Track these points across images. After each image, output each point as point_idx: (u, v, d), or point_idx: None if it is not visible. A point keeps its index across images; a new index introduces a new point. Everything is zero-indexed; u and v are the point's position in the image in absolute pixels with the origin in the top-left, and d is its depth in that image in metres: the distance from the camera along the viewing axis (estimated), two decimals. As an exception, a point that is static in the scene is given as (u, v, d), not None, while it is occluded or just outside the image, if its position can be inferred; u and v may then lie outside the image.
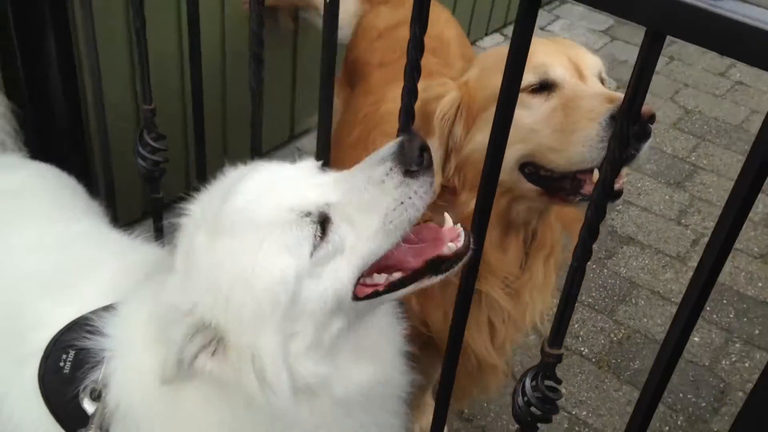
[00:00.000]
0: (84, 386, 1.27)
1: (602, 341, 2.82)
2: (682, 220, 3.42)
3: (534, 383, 1.48)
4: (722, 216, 1.12)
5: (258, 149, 1.68)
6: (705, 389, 2.69)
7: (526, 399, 1.48)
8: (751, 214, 3.73)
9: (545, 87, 1.58)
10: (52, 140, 2.03)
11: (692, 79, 4.45)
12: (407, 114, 1.38)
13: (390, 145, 1.18)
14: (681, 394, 2.68)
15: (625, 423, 2.51)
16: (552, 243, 1.76)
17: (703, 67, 4.64)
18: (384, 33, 2.42)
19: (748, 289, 3.10)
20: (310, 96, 3.37)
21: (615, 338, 2.86)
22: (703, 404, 2.64)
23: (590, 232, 1.25)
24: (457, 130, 1.63)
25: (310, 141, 3.59)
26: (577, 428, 2.52)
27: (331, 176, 1.20)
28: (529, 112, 1.56)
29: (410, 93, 1.35)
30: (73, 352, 1.31)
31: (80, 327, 1.33)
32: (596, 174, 1.52)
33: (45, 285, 1.43)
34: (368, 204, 1.15)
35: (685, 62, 4.68)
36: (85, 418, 1.26)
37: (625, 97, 1.12)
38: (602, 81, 1.63)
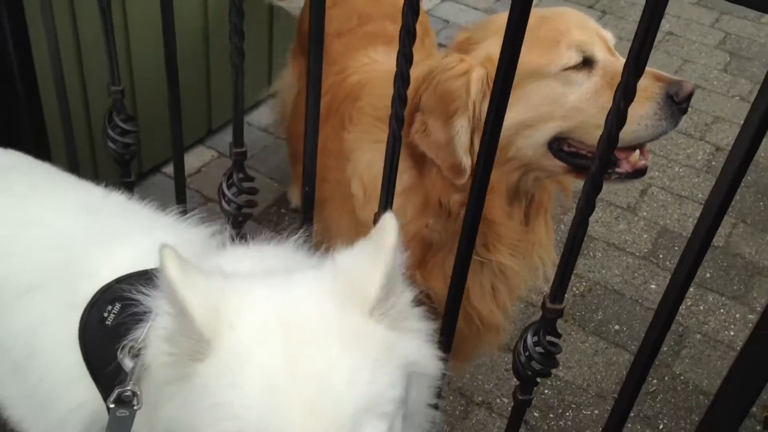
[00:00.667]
0: (125, 342, 1.24)
1: (565, 295, 2.89)
2: (629, 172, 3.52)
3: (536, 339, 1.51)
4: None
5: (240, 126, 1.64)
6: (668, 335, 2.79)
7: (527, 354, 1.51)
8: (692, 162, 3.89)
9: (587, 64, 1.59)
10: (12, 122, 1.92)
11: (625, 31, 4.55)
12: (403, 80, 1.35)
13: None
14: (643, 340, 2.78)
15: (593, 373, 2.63)
16: (548, 201, 1.80)
17: (634, 20, 4.75)
18: (338, 1, 2.38)
19: (696, 235, 3.23)
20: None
21: (577, 291, 2.94)
22: (664, 348, 2.75)
23: (594, 185, 1.27)
24: (484, 108, 1.60)
25: (259, 114, 3.53)
26: (548, 381, 2.60)
27: None
28: (572, 89, 1.58)
29: (405, 58, 1.33)
30: (120, 305, 1.29)
31: (134, 280, 1.30)
32: (636, 153, 1.62)
33: (90, 240, 1.41)
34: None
35: (617, 15, 4.77)
36: (119, 374, 1.23)
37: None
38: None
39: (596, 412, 2.53)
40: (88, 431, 1.35)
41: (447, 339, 1.60)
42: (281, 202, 3.15)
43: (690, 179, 3.51)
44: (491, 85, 1.59)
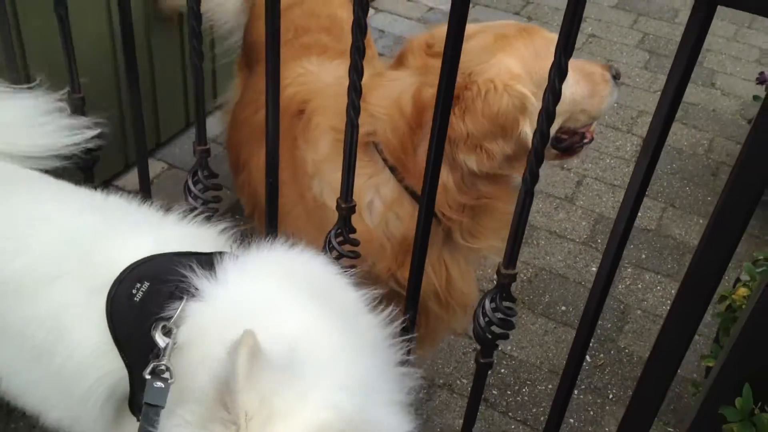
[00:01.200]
0: (156, 320, 1.31)
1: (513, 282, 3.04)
2: (564, 165, 3.70)
3: (493, 305, 1.63)
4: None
5: (202, 125, 1.72)
6: (608, 312, 2.96)
7: (487, 320, 1.63)
8: (621, 153, 4.08)
9: None
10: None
11: (552, 37, 4.78)
12: (356, 91, 1.47)
13: None
14: (588, 319, 2.94)
15: (544, 351, 2.78)
16: None
17: (558, 24, 4.97)
18: None
19: (630, 219, 3.42)
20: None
21: (525, 277, 3.09)
22: (609, 325, 2.92)
23: (536, 157, 1.40)
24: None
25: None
26: (504, 361, 2.73)
27: None
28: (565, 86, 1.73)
29: (356, 71, 1.45)
30: (148, 283, 1.36)
31: (163, 261, 1.39)
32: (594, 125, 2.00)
33: (105, 233, 1.47)
34: None
35: (541, 21, 5.00)
36: (146, 347, 1.29)
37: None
38: None
39: (550, 386, 2.67)
40: (109, 401, 1.42)
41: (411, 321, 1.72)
42: (236, 209, 3.22)
43: (621, 169, 3.72)
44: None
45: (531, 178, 1.42)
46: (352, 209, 1.64)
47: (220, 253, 1.44)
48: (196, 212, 1.60)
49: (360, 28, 1.40)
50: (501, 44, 1.78)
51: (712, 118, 4.21)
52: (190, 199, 1.83)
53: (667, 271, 3.17)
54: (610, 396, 2.65)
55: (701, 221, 3.43)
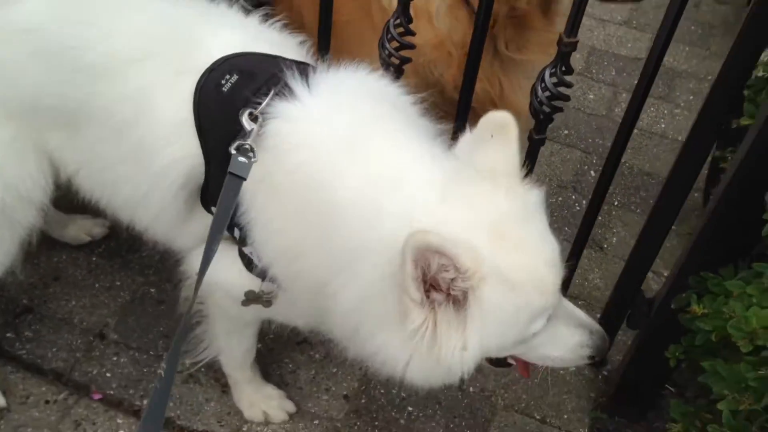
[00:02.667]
0: (244, 106, 1.36)
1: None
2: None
3: (554, 78, 1.73)
4: None
5: None
6: (607, 132, 3.13)
7: (546, 93, 1.73)
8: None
9: None
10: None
11: None
12: None
13: (600, 330, 1.44)
14: (590, 140, 3.11)
15: (552, 170, 2.95)
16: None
17: None
18: None
19: (621, 50, 3.56)
20: None
21: (529, 102, 3.23)
22: (609, 144, 3.09)
23: None
24: None
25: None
26: (517, 177, 2.89)
27: None
28: None
29: None
30: (238, 75, 1.39)
31: (253, 58, 1.43)
32: None
33: (194, 21, 1.49)
34: (561, 343, 1.41)
35: None
36: (231, 139, 1.34)
37: None
38: None
39: (560, 199, 2.85)
40: (184, 188, 1.46)
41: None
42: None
43: (608, 5, 3.82)
44: None
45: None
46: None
47: (307, 63, 1.49)
48: (274, 18, 1.60)
49: None
50: None
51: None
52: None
53: (659, 94, 3.34)
54: (616, 203, 2.85)
55: (687, 48, 3.59)
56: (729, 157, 1.88)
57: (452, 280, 1.16)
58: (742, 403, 1.20)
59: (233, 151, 1.32)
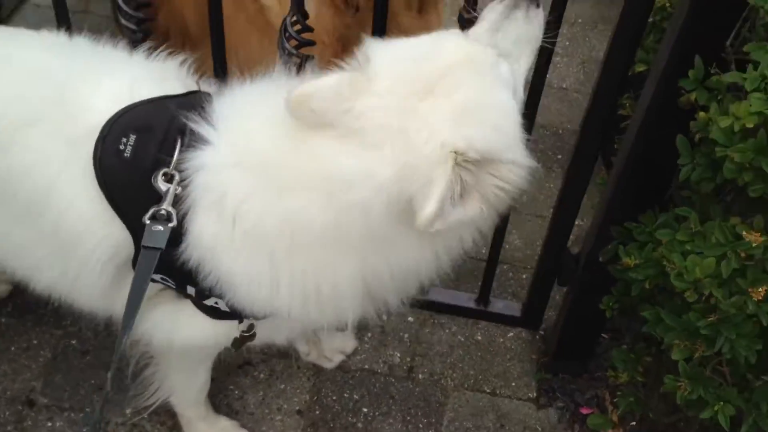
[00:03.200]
0: (157, 169, 1.28)
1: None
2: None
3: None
4: None
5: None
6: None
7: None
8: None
9: None
10: None
11: None
12: None
13: None
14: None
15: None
16: None
17: None
18: None
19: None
20: None
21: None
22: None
23: None
24: None
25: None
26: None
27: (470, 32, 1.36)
28: None
29: None
30: (135, 135, 1.31)
31: (143, 110, 1.33)
32: None
33: (75, 73, 1.39)
34: (521, 41, 1.37)
35: None
36: (146, 201, 1.27)
37: None
38: None
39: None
40: (112, 262, 1.39)
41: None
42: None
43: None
44: None
45: None
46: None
47: (198, 92, 1.42)
48: (159, 49, 1.52)
49: None
50: None
51: None
52: (122, 20, 1.76)
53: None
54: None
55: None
56: (626, 104, 1.92)
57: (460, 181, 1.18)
58: (696, 351, 1.24)
59: (147, 221, 1.27)
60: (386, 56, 1.28)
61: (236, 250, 1.29)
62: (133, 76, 1.41)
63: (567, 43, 3.38)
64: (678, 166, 1.52)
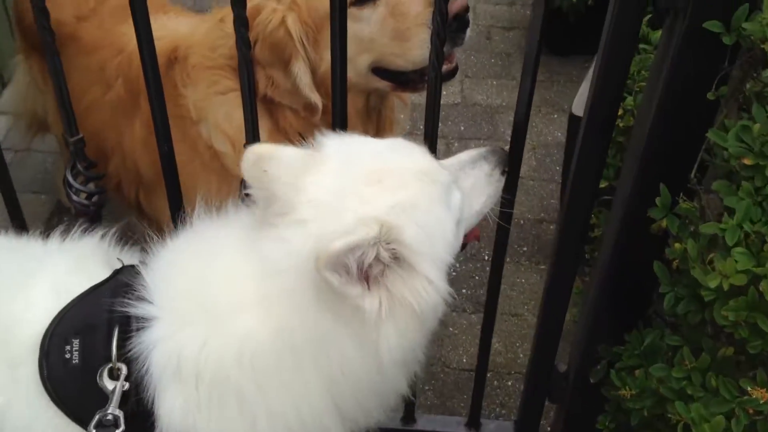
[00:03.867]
0: (101, 369, 1.21)
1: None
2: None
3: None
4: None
5: (70, 111, 1.59)
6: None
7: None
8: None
9: None
10: None
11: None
12: (244, 43, 1.42)
13: (490, 149, 1.48)
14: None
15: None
16: (392, 114, 2.06)
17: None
18: None
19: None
20: None
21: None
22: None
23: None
24: (309, 46, 1.79)
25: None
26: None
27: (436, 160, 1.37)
28: (362, 25, 1.76)
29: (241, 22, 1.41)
30: (77, 339, 1.24)
31: (77, 311, 1.27)
32: None
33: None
34: (478, 189, 1.43)
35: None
36: (101, 401, 1.20)
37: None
38: None
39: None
40: None
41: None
42: (60, 212, 2.99)
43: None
44: (307, 22, 1.78)
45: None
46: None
47: (124, 268, 1.36)
48: (74, 229, 1.46)
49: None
50: None
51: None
52: (73, 197, 1.70)
53: (485, 134, 3.44)
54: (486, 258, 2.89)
55: (495, 82, 3.72)
56: (595, 219, 1.92)
57: (375, 255, 1.13)
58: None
59: (93, 430, 1.19)
60: (343, 145, 1.31)
61: (208, 412, 1.23)
62: (54, 276, 1.34)
63: (514, 129, 3.42)
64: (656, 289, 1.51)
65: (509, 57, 3.85)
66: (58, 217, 2.96)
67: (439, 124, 3.51)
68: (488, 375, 2.36)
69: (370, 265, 1.13)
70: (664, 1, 1.32)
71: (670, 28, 1.34)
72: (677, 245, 1.40)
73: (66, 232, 1.44)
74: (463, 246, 1.48)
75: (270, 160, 1.22)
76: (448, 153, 3.32)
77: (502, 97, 3.63)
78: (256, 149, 1.24)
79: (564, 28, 3.41)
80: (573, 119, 2.47)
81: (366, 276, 1.14)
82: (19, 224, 1.77)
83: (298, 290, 1.17)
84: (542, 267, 2.85)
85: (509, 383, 2.51)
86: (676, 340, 1.45)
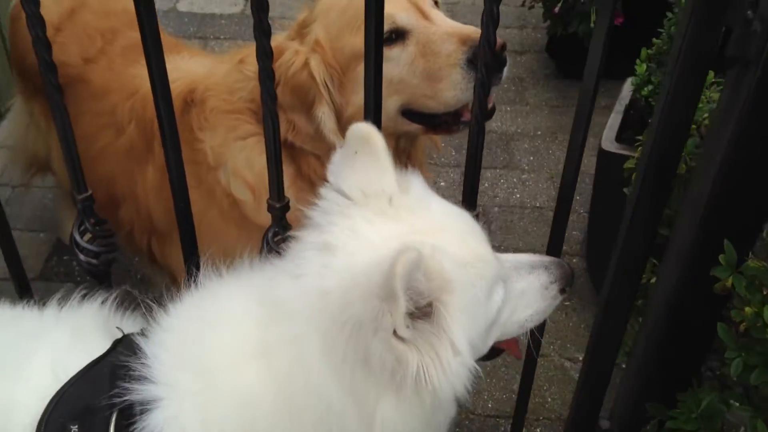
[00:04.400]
0: None
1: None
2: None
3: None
4: None
5: (78, 167, 1.47)
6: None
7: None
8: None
9: (399, 36, 1.67)
10: None
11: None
12: (270, 97, 1.32)
13: (556, 261, 1.35)
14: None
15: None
16: (422, 155, 1.95)
17: None
18: (62, 25, 2.13)
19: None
20: None
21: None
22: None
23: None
24: (333, 89, 1.69)
25: None
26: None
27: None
28: (391, 65, 1.65)
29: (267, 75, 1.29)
30: (77, 423, 1.14)
31: (74, 393, 1.16)
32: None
33: None
34: (527, 298, 1.30)
35: None
36: None
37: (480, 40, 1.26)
38: (437, 4, 1.76)
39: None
40: None
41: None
42: (60, 251, 2.85)
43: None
44: (331, 64, 1.69)
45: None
46: (285, 207, 1.50)
47: (124, 338, 1.25)
48: (73, 296, 1.35)
49: (261, 5, 1.23)
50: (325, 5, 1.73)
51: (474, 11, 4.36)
52: (81, 256, 1.58)
53: (502, 163, 3.32)
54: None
55: (509, 108, 3.61)
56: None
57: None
58: None
59: None
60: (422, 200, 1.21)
61: None
62: (52, 354, 1.23)
63: (531, 157, 3.31)
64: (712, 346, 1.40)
65: (522, 82, 3.73)
66: (57, 257, 2.83)
67: (453, 153, 3.42)
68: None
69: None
70: (732, 48, 1.21)
71: (737, 78, 1.23)
72: (748, 309, 1.28)
73: (64, 299, 1.34)
74: (493, 354, 1.34)
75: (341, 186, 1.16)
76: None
77: (517, 124, 3.52)
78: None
79: (579, 52, 3.30)
80: (603, 154, 2.36)
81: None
82: (15, 266, 1.64)
83: (306, 345, 1.05)
84: (566, 303, 2.72)
85: (537, 430, 2.39)
86: (747, 410, 1.33)
